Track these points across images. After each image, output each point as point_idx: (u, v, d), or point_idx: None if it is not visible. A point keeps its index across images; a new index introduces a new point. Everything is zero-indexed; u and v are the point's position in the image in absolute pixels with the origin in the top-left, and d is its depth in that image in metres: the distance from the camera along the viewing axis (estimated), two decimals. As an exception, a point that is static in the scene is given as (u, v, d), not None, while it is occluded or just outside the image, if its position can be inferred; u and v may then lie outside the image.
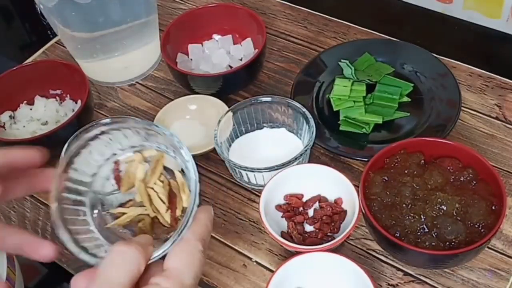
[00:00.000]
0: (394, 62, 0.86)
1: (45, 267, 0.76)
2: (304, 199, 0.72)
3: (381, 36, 0.93)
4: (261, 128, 0.80)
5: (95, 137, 0.46)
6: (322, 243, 0.65)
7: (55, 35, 0.99)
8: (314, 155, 0.79)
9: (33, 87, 0.88)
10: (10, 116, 0.87)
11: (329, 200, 0.71)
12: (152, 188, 0.48)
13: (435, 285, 0.66)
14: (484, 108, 0.82)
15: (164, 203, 0.47)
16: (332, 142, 0.79)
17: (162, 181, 0.47)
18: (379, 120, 0.79)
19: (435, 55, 0.85)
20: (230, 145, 0.78)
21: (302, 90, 0.84)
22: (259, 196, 0.69)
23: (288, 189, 0.71)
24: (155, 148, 0.49)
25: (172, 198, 0.48)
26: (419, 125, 0.79)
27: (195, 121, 0.83)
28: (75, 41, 0.87)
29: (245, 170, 0.73)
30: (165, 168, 0.48)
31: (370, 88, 0.82)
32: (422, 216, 0.63)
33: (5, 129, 0.85)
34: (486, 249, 0.68)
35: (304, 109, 0.75)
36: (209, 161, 0.80)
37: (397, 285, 0.67)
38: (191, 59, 0.90)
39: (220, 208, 0.76)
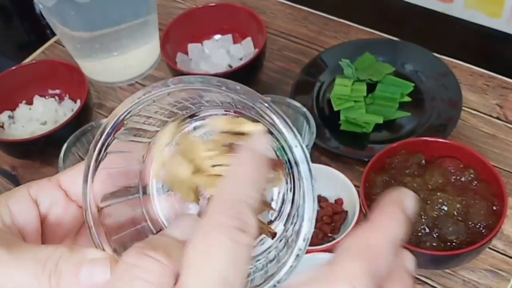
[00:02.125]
0: (395, 62, 0.85)
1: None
2: (304, 199, 0.71)
3: (382, 36, 0.93)
4: (261, 128, 0.80)
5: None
6: (323, 244, 0.64)
7: (54, 34, 0.99)
8: (314, 155, 0.78)
9: (32, 87, 0.87)
10: (9, 116, 0.86)
11: (330, 201, 0.71)
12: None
13: (436, 285, 0.66)
14: (485, 108, 0.82)
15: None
16: (333, 142, 0.78)
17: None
18: (380, 120, 0.79)
19: (436, 54, 0.85)
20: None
21: (303, 90, 0.84)
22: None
23: (288, 189, 0.71)
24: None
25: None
26: (420, 125, 0.79)
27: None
28: (74, 40, 0.87)
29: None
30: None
31: (371, 87, 0.82)
32: (423, 217, 0.63)
33: (4, 129, 0.85)
34: (487, 249, 0.67)
35: (305, 109, 0.75)
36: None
37: (397, 286, 0.66)
38: (191, 59, 0.90)
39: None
